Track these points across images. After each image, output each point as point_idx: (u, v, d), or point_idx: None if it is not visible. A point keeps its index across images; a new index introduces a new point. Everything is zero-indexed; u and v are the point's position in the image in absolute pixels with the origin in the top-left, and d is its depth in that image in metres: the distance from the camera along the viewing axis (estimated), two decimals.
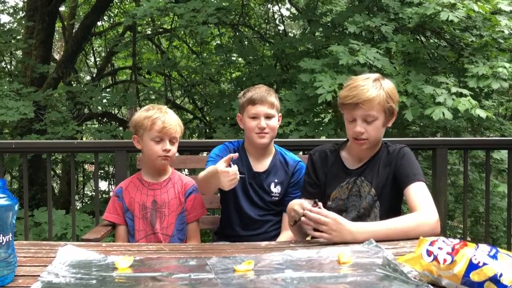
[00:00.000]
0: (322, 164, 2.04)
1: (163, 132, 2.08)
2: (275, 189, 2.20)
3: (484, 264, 1.18)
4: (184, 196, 2.16)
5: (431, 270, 1.24)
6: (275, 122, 2.18)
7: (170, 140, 2.11)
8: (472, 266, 1.18)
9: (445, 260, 1.22)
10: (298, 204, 1.72)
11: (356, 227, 1.64)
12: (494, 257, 1.19)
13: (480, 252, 1.20)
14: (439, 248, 1.25)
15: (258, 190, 2.21)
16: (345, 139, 2.07)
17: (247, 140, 2.26)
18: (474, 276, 1.17)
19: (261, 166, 2.23)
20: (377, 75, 1.97)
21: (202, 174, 2.03)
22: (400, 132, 5.25)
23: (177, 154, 2.27)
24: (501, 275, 1.15)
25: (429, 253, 1.25)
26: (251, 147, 2.24)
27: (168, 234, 2.11)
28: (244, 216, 2.20)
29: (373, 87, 1.87)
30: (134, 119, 2.16)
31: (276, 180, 2.21)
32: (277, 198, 2.20)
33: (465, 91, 4.39)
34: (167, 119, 2.10)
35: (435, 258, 1.24)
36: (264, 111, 2.13)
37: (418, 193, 1.81)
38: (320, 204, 1.70)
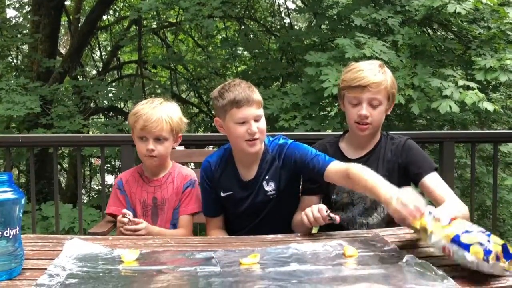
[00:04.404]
0: None
1: (145, 131, 1.91)
2: (268, 187, 1.95)
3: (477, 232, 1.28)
4: (182, 189, 2.06)
5: (426, 227, 1.34)
6: (264, 123, 1.87)
7: (156, 138, 1.93)
8: (465, 232, 1.27)
9: (441, 220, 1.34)
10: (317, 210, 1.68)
11: None
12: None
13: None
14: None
15: (254, 199, 1.97)
16: (345, 130, 2.07)
17: (234, 148, 1.96)
18: (464, 239, 1.25)
19: (252, 172, 1.97)
20: (380, 61, 1.99)
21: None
22: (407, 126, 5.21)
23: (182, 148, 2.20)
24: (488, 241, 1.23)
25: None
26: (240, 154, 1.95)
27: (166, 228, 2.08)
28: (246, 225, 2.02)
29: (380, 72, 1.89)
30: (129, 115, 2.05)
31: (267, 177, 1.95)
32: (274, 195, 1.95)
33: (472, 84, 4.36)
34: (150, 116, 1.89)
35: (434, 216, 1.36)
36: (253, 114, 1.81)
37: (438, 185, 1.81)
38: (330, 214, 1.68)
